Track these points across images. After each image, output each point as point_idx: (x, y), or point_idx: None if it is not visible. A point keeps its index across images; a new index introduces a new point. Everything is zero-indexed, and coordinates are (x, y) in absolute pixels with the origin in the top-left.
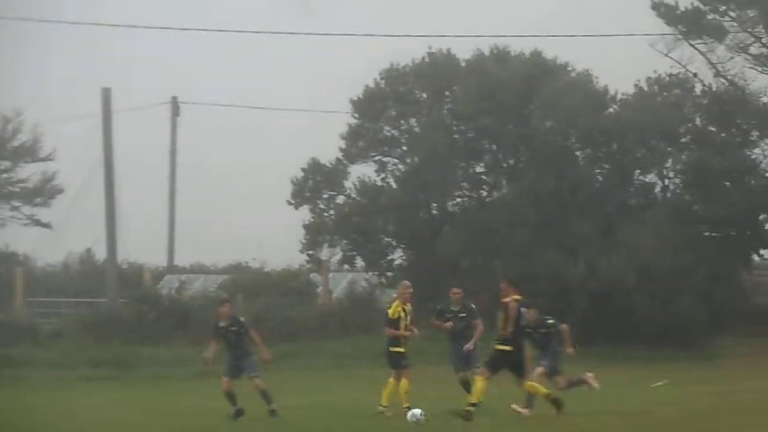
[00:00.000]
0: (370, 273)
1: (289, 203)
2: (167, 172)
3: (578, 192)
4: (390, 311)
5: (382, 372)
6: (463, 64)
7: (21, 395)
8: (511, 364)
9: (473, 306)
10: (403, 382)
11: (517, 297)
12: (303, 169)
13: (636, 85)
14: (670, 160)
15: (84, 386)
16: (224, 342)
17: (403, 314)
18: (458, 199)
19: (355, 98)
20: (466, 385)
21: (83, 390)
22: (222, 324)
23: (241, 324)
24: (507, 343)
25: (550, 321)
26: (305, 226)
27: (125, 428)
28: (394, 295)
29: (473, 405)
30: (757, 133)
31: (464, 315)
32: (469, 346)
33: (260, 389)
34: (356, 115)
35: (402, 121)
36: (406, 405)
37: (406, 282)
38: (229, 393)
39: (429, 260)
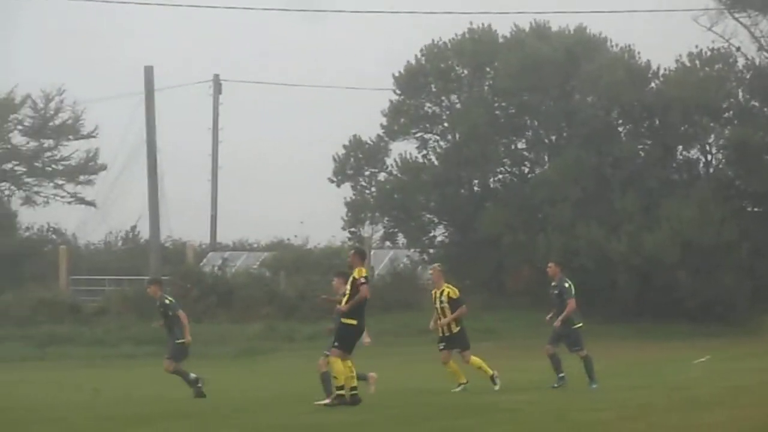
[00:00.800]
0: (412, 250)
1: (331, 181)
2: (209, 150)
3: (620, 168)
4: None
5: (422, 349)
6: (502, 40)
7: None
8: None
9: (566, 284)
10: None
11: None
12: (345, 147)
13: (678, 61)
14: (712, 136)
15: (127, 363)
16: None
17: (437, 297)
18: (500, 176)
19: (397, 74)
20: (554, 359)
21: (125, 367)
22: (156, 302)
23: (167, 305)
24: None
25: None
26: (347, 204)
27: (161, 404)
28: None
29: (340, 388)
30: None
31: (556, 292)
32: (555, 323)
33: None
34: (398, 91)
35: (443, 98)
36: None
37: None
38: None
39: (471, 237)
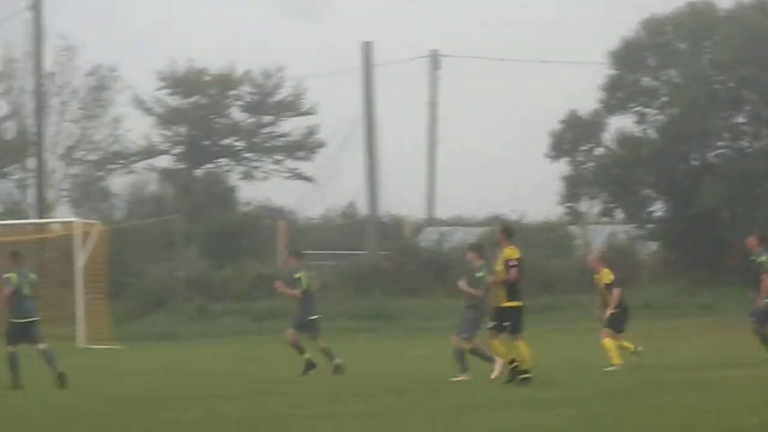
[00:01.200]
0: (630, 225)
1: (548, 156)
2: (427, 125)
3: None
4: None
5: (640, 324)
6: (722, 14)
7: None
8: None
9: (762, 258)
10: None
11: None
12: (561, 122)
13: None
14: None
15: (344, 338)
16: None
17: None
18: (718, 150)
19: (613, 49)
20: (765, 338)
21: (343, 341)
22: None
23: (296, 280)
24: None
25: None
26: (564, 179)
27: (376, 380)
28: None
29: (524, 371)
30: None
31: (754, 267)
32: (760, 302)
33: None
34: (614, 66)
35: (661, 72)
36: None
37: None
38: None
39: (688, 212)
